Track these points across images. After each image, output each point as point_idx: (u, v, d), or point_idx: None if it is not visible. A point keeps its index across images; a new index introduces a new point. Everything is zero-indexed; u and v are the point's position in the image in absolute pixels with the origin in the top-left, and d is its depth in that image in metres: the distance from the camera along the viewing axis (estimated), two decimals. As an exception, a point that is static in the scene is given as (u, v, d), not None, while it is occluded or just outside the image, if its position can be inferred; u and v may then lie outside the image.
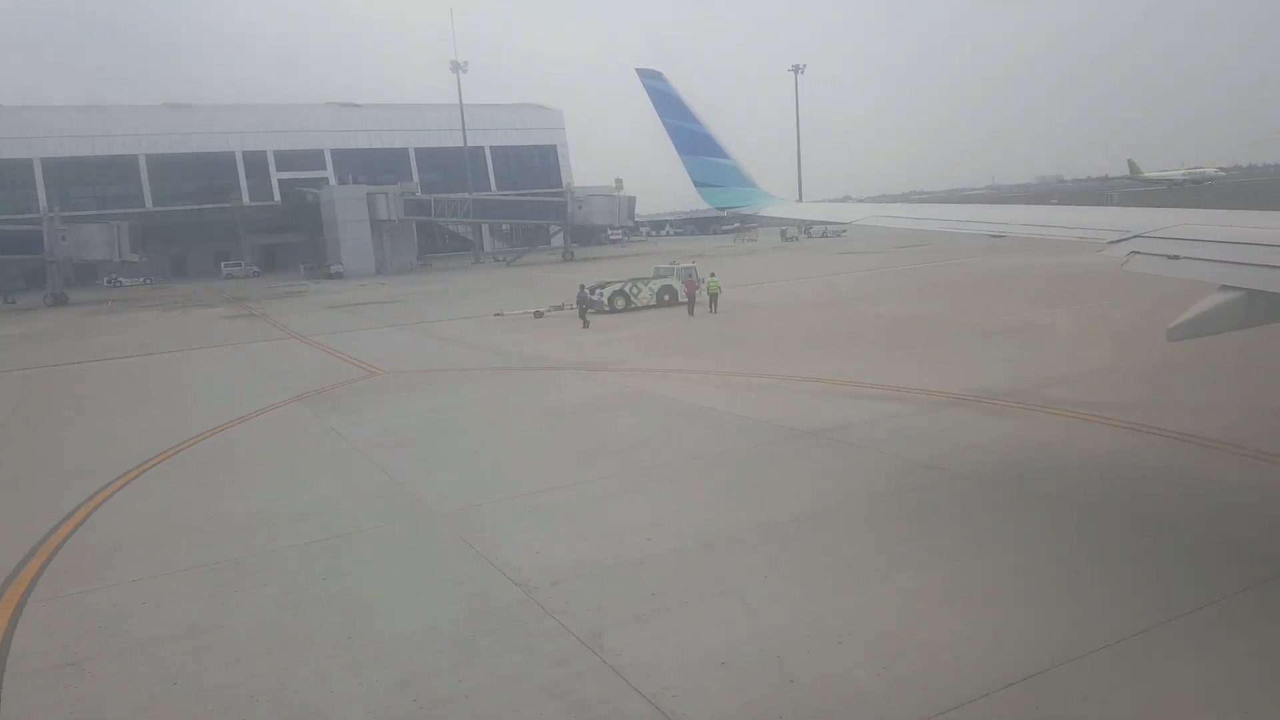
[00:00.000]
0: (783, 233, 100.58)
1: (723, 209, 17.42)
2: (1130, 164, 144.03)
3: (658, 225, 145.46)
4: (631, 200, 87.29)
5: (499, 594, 9.73)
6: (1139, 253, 9.21)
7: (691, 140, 16.12)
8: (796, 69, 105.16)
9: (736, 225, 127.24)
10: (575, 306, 35.51)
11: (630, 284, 39.53)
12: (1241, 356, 19.62)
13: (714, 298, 38.30)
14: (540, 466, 14.72)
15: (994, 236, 12.37)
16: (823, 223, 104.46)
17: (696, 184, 16.49)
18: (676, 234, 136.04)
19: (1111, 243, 9.74)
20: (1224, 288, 8.20)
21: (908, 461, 13.63)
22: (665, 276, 40.58)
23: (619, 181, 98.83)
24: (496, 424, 18.56)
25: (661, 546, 10.76)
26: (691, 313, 36.09)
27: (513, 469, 14.74)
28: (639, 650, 8.25)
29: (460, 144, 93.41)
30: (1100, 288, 34.14)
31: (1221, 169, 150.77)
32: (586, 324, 34.32)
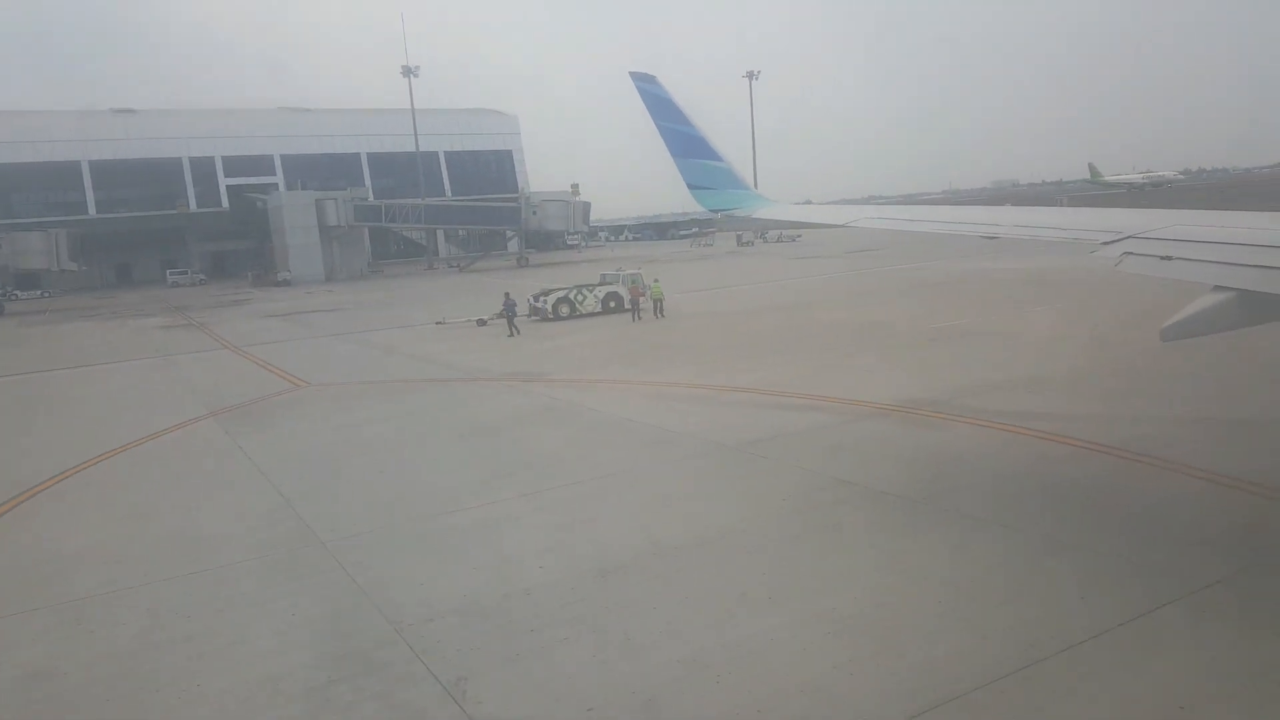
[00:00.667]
0: (739, 238, 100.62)
1: (716, 211, 17.50)
2: (1091, 168, 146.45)
3: (616, 230, 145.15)
4: (586, 205, 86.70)
5: (368, 633, 9.09)
6: (1132, 253, 9.09)
7: (685, 143, 16.09)
8: (751, 75, 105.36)
9: (695, 230, 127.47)
10: (503, 315, 34.75)
11: (575, 291, 38.97)
12: (1198, 364, 19.55)
13: (658, 303, 38.06)
14: (446, 487, 14.08)
15: (987, 238, 12.34)
16: (780, 227, 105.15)
17: (690, 186, 16.38)
18: (635, 238, 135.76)
19: (1105, 243, 9.60)
20: (1217, 288, 8.09)
21: (822, 477, 13.20)
22: (611, 283, 40.12)
23: (575, 187, 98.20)
24: (412, 441, 17.88)
25: (553, 575, 10.20)
26: (637, 319, 35.84)
27: (416, 491, 14.09)
28: (503, 698, 7.67)
29: (415, 149, 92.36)
30: (1049, 293, 34.28)
31: (1179, 173, 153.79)
32: (514, 333, 33.73)
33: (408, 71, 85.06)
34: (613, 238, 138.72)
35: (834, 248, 75.68)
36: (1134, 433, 14.34)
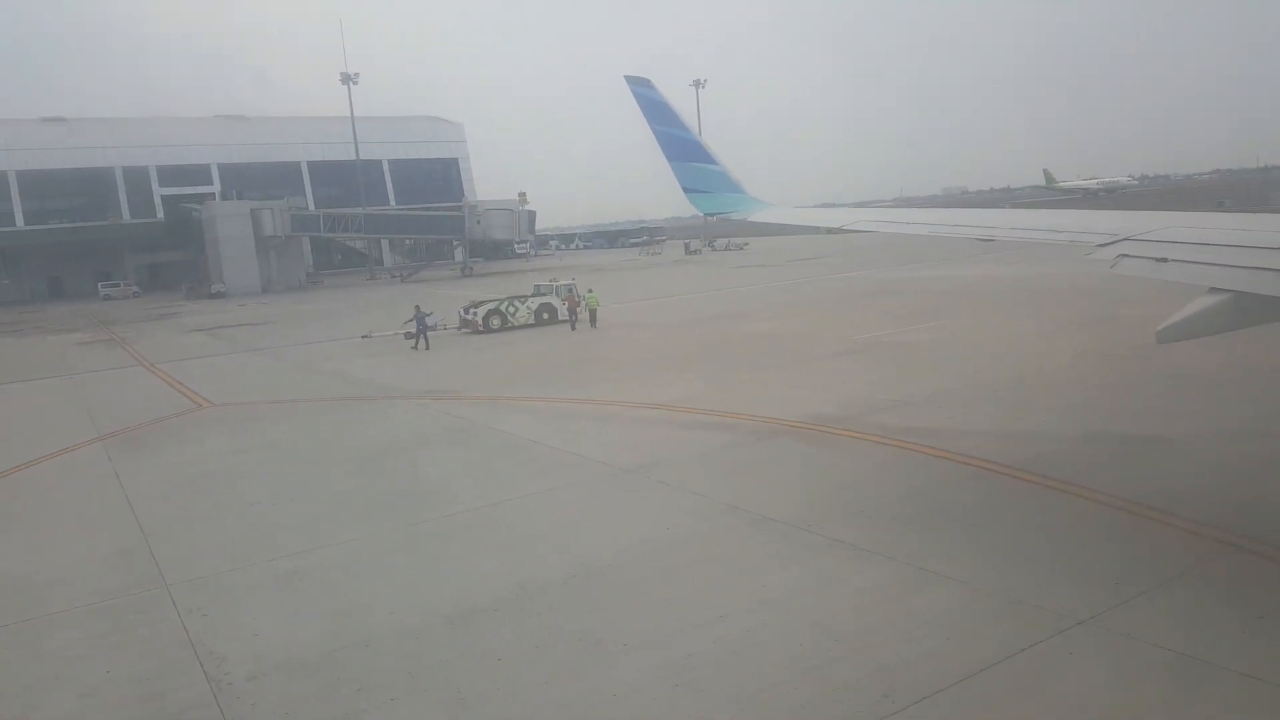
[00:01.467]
0: (686, 246, 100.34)
1: (711, 214, 17.34)
2: (1046, 174, 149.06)
3: (567, 238, 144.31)
4: (531, 214, 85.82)
5: (183, 692, 8.27)
6: (1128, 255, 9.03)
7: (680, 147, 16.15)
8: (697, 84, 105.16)
9: (645, 239, 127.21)
10: (412, 328, 33.73)
11: (507, 303, 38.14)
12: (1128, 377, 19.38)
13: (593, 313, 37.72)
14: (316, 521, 13.23)
15: (983, 240, 12.29)
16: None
17: (685, 190, 16.37)
18: (586, 246, 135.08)
19: (1100, 245, 9.51)
20: (1212, 290, 8.02)
21: (712, 503, 12.63)
22: (544, 294, 39.38)
23: (522, 195, 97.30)
24: (298, 468, 16.97)
25: (401, 623, 9.45)
26: (574, 328, 35.75)
27: (285, 524, 13.22)
28: (304, 770, 6.93)
29: (360, 157, 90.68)
30: (986, 301, 34.27)
31: (1133, 178, 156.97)
32: (423, 347, 32.92)
33: (347, 79, 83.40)
34: (564, 246, 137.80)
35: (779, 257, 75.79)
36: (1035, 451, 14.00)
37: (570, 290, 38.69)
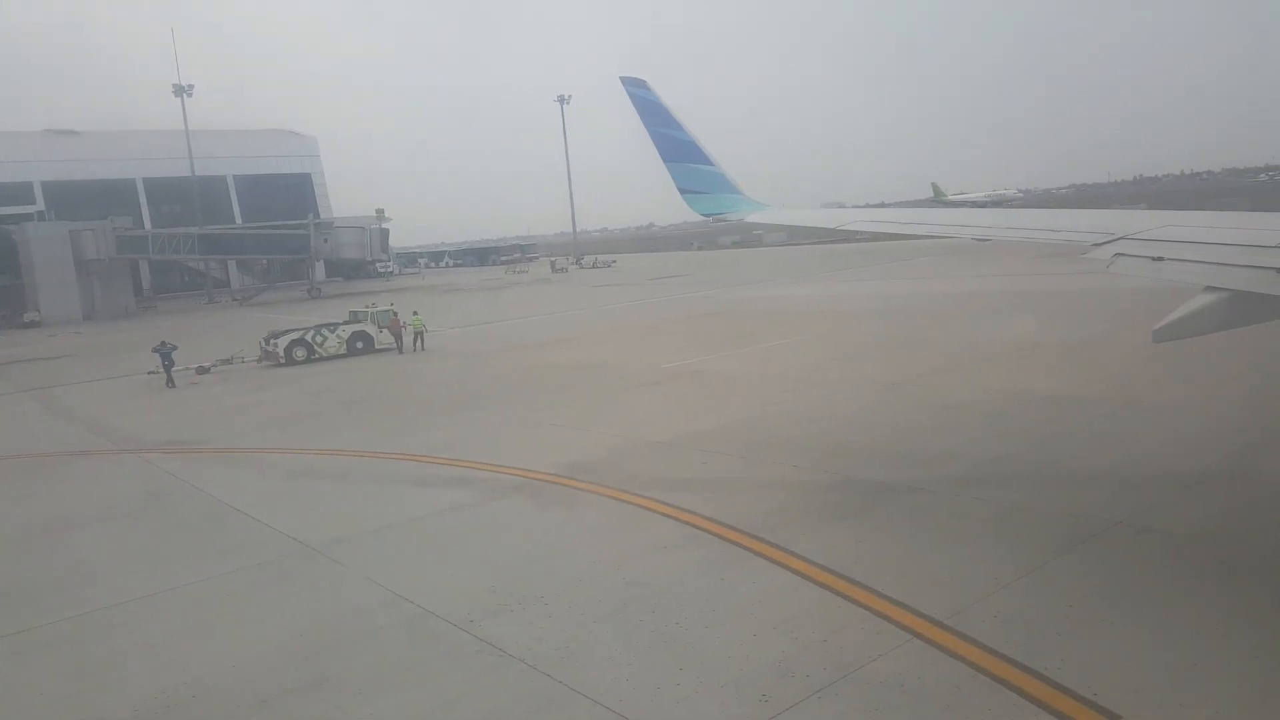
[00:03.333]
0: (552, 264, 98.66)
1: (708, 215, 17.12)
2: (934, 187, 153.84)
3: (437, 256, 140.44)
4: (384, 232, 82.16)
5: None
6: (1124, 255, 9.08)
7: (676, 147, 16.08)
8: (562, 99, 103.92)
9: (517, 255, 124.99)
10: (162, 367, 31.22)
11: (314, 332, 35.28)
12: (896, 407, 18.45)
13: (419, 336, 36.16)
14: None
15: (979, 240, 12.13)
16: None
17: (682, 191, 16.26)
18: (457, 264, 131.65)
19: (1096, 245, 9.52)
20: (1208, 289, 7.98)
21: (381, 593, 10.72)
22: (359, 321, 36.70)
23: (380, 212, 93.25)
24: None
25: None
26: (401, 352, 34.85)
27: None
28: None
29: (200, 172, 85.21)
30: (818, 322, 33.62)
31: (1020, 191, 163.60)
32: (172, 383, 30.65)
33: (179, 90, 78.27)
34: (433, 264, 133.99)
35: (640, 275, 74.90)
36: (771, 505, 12.70)
37: (389, 316, 36.29)
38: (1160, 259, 8.64)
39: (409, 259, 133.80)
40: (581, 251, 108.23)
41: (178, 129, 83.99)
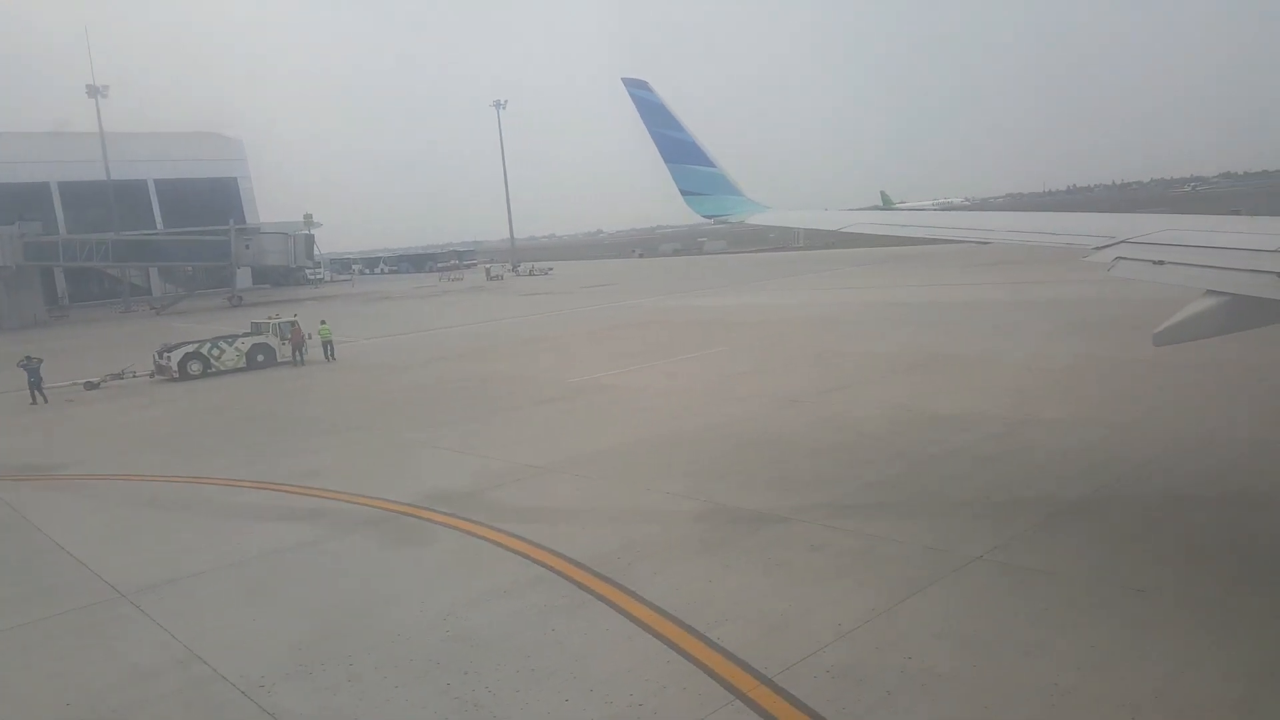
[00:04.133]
0: (487, 271, 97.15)
1: (710, 217, 17.08)
2: (882, 195, 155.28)
3: (372, 263, 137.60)
4: (309, 238, 79.85)
5: None
6: (1125, 258, 9.06)
7: (677, 149, 16.04)
8: (498, 104, 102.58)
9: (454, 262, 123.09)
10: (28, 384, 29.50)
11: (210, 344, 33.59)
12: (795, 427, 17.75)
13: (328, 344, 35.17)
14: None
15: (979, 243, 12.19)
16: (540, 264, 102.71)
17: (683, 192, 16.22)
18: (392, 271, 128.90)
19: (1097, 248, 9.55)
20: (1209, 293, 7.97)
21: (176, 650, 9.61)
22: (260, 334, 35.14)
23: (307, 217, 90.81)
24: None
25: None
26: (299, 363, 33.77)
27: None
28: None
29: (119, 176, 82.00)
30: (739, 334, 33.00)
31: (967, 199, 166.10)
32: (40, 400, 29.11)
33: (94, 91, 75.23)
34: (367, 271, 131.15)
35: (575, 283, 73.79)
36: (633, 536, 11.89)
37: (294, 326, 34.84)
38: (1161, 262, 8.61)
39: (343, 265, 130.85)
40: (519, 258, 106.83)
41: (92, 131, 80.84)
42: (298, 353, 34.20)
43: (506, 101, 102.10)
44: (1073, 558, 10.12)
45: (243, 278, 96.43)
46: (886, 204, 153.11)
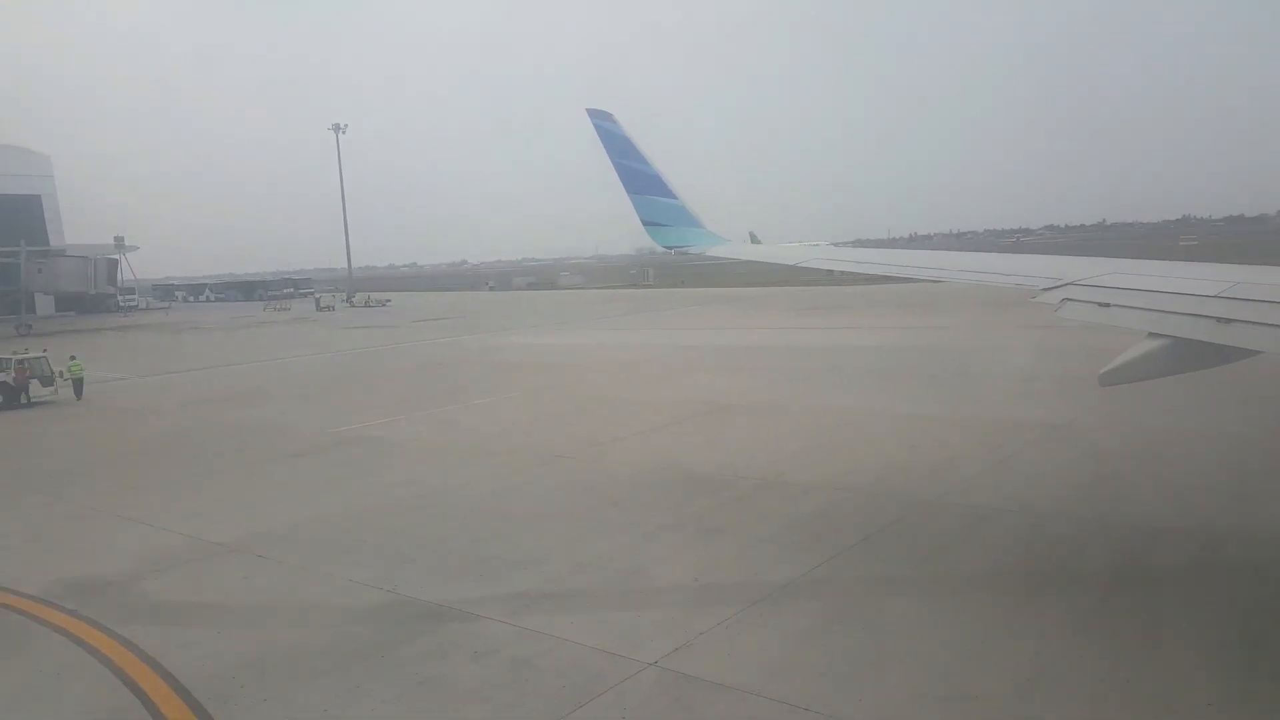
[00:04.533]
0: (317, 301, 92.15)
1: (670, 248, 16.99)
2: (751, 235, 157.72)
3: (196, 289, 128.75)
4: (112, 262, 73.39)
5: None
6: (1071, 300, 9.19)
7: (640, 180, 16.20)
8: (337, 128, 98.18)
9: (289, 290, 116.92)
10: None
11: (-70, 386, 29.14)
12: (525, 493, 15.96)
13: (77, 384, 31.99)
14: None
15: (932, 281, 12.17)
16: (374, 294, 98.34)
17: (645, 223, 16.34)
18: (219, 299, 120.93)
19: (1045, 289, 9.70)
20: (1152, 335, 8.13)
21: None
22: (2, 370, 30.94)
23: (119, 240, 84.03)
24: None
25: None
26: (27, 401, 30.66)
27: None
28: None
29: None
30: (531, 377, 31.21)
31: (830, 243, 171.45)
32: None
33: None
34: (191, 298, 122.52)
35: (406, 317, 70.59)
36: (268, 650, 9.75)
37: (18, 364, 30.82)
38: (1107, 304, 8.76)
39: (165, 292, 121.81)
40: (357, 289, 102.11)
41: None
42: (24, 393, 30.39)
43: (346, 125, 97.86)
44: (750, 668, 8.68)
45: (46, 304, 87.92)
46: (754, 243, 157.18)
